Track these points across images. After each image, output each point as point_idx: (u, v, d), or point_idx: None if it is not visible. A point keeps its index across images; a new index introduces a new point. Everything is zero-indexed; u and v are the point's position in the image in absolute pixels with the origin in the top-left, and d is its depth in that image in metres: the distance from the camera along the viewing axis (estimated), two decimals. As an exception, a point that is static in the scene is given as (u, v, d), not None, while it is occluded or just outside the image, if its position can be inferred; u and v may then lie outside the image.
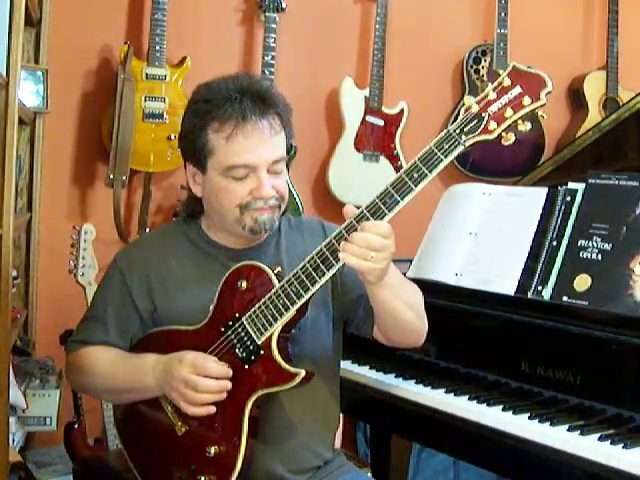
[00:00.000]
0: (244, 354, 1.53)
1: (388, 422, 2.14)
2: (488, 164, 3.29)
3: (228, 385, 1.52)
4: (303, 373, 1.49)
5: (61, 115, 2.83)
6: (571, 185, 1.98)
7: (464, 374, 1.98)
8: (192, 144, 1.61)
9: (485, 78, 3.31)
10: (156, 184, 2.96)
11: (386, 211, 1.43)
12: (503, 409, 1.78)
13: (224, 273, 1.59)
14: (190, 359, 1.52)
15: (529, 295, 1.92)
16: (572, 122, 3.55)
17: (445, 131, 1.43)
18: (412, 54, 3.32)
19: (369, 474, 2.38)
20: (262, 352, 1.52)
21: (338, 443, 1.93)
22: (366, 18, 3.26)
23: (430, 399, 1.89)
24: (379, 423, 2.33)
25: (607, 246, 1.83)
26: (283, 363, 1.50)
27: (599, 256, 1.84)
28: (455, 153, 1.42)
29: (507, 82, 1.42)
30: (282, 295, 1.50)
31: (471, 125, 1.42)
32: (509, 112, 1.41)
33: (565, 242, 1.91)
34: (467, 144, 1.42)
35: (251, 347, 1.53)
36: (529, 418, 1.72)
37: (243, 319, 1.54)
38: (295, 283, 1.49)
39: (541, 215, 1.98)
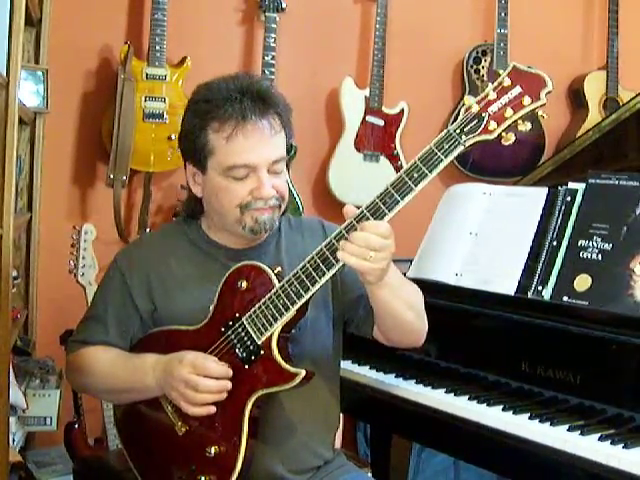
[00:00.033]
0: (244, 354, 1.53)
1: (388, 422, 2.14)
2: (488, 164, 3.29)
3: (228, 385, 1.52)
4: (303, 373, 1.49)
5: (61, 115, 2.83)
6: (571, 185, 1.98)
7: (464, 374, 1.98)
8: (192, 144, 1.61)
9: (485, 78, 3.31)
10: (156, 184, 2.96)
11: (386, 211, 1.43)
12: (503, 409, 1.78)
13: (224, 273, 1.59)
14: (190, 359, 1.52)
15: (529, 295, 1.91)
16: (572, 122, 3.55)
17: (445, 131, 1.43)
18: (412, 54, 3.32)
19: (369, 474, 2.38)
20: (262, 352, 1.52)
21: (338, 443, 1.93)
22: (366, 18, 3.26)
23: (430, 399, 1.88)
24: (379, 423, 2.33)
25: (607, 246, 1.83)
26: (283, 363, 1.50)
27: (599, 256, 1.83)
28: (455, 153, 1.42)
29: (507, 82, 1.42)
30: (282, 295, 1.50)
31: (471, 125, 1.42)
32: (509, 112, 1.41)
33: (565, 242, 1.91)
34: (467, 144, 1.42)
35: (251, 347, 1.53)
36: (529, 418, 1.72)
37: (243, 319, 1.54)
38: (295, 283, 1.49)
39: (541, 215, 1.98)
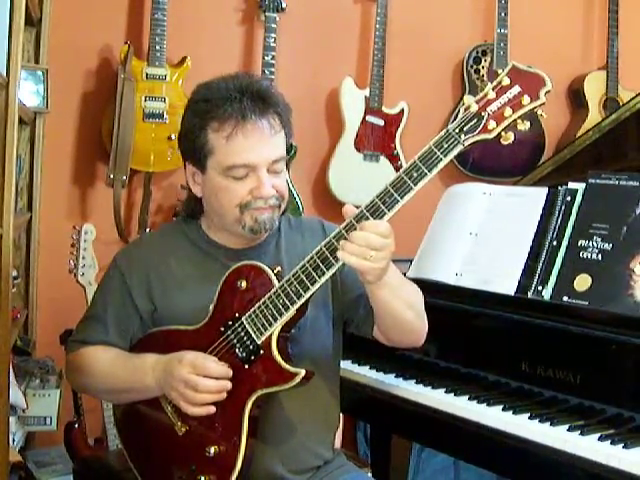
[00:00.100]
0: (244, 354, 1.53)
1: (388, 422, 2.14)
2: (488, 164, 3.29)
3: (228, 385, 1.52)
4: (303, 373, 1.49)
5: (61, 115, 2.83)
6: (571, 185, 1.98)
7: (464, 374, 1.97)
8: (192, 144, 1.61)
9: (485, 78, 3.31)
10: (156, 184, 2.96)
11: (386, 210, 1.43)
12: (503, 409, 1.78)
13: (224, 273, 1.58)
14: (190, 359, 1.52)
15: (529, 295, 1.91)
16: (572, 122, 3.55)
17: (444, 130, 1.43)
18: (412, 54, 3.32)
19: (369, 474, 2.38)
20: (262, 352, 1.52)
21: (338, 443, 1.93)
22: (366, 18, 3.26)
23: (430, 399, 1.88)
24: (379, 423, 2.32)
25: (607, 246, 1.83)
26: (283, 363, 1.50)
27: (599, 256, 1.83)
28: (454, 152, 1.42)
29: (506, 81, 1.42)
30: (282, 295, 1.50)
31: (470, 124, 1.42)
32: (508, 111, 1.41)
33: (565, 242, 1.91)
34: (466, 143, 1.42)
35: (251, 347, 1.53)
36: (529, 418, 1.72)
37: (243, 319, 1.54)
38: (295, 283, 1.49)
39: (541, 215, 1.98)
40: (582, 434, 1.62)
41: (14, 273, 2.38)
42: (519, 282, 1.94)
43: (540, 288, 1.90)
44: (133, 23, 2.93)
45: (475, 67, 3.33)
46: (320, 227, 1.76)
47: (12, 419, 2.17)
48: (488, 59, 3.32)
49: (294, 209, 2.97)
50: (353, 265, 1.43)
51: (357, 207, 1.46)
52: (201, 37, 3.02)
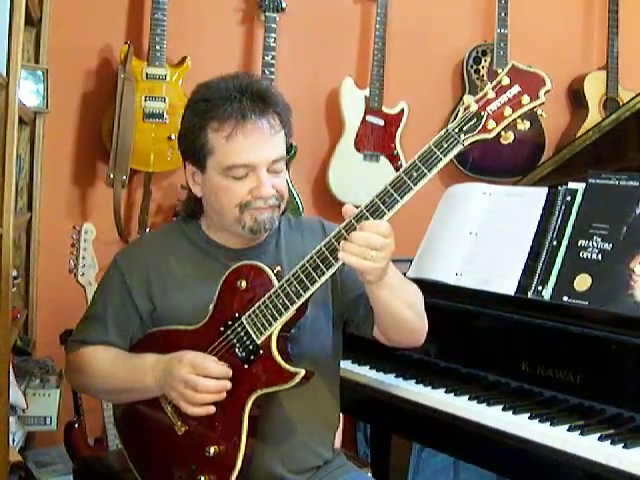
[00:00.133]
0: (244, 354, 1.53)
1: (388, 422, 2.14)
2: (488, 164, 3.29)
3: (228, 385, 1.52)
4: (303, 373, 1.49)
5: (61, 115, 2.83)
6: (571, 185, 1.98)
7: (464, 374, 1.97)
8: (192, 143, 1.61)
9: (485, 78, 3.31)
10: (156, 184, 2.96)
11: (385, 210, 1.43)
12: (503, 409, 1.77)
13: (224, 273, 1.58)
14: (189, 359, 1.52)
15: (529, 295, 1.91)
16: (572, 122, 3.55)
17: (444, 130, 1.43)
18: (412, 54, 3.32)
19: (369, 474, 2.37)
20: (262, 352, 1.52)
21: (338, 443, 1.93)
22: (366, 18, 3.26)
23: (430, 399, 1.88)
24: (379, 423, 2.32)
25: (607, 246, 1.83)
26: (283, 363, 1.50)
27: (599, 256, 1.83)
28: (454, 152, 1.42)
29: (506, 81, 1.42)
30: (281, 295, 1.50)
31: (470, 124, 1.42)
32: (508, 111, 1.41)
33: (565, 242, 1.91)
34: (466, 143, 1.42)
35: (250, 347, 1.53)
36: (529, 418, 1.72)
37: (243, 319, 1.54)
38: (294, 283, 1.49)
39: (541, 215, 1.98)
40: (582, 434, 1.62)
41: (14, 273, 2.38)
42: (519, 282, 1.94)
43: (540, 288, 1.90)
44: (133, 23, 2.93)
45: (475, 67, 3.33)
46: (320, 227, 1.76)
47: (12, 419, 2.17)
48: (488, 59, 3.32)
49: (294, 209, 2.97)
50: (353, 265, 1.43)
51: (357, 207, 1.46)
52: (201, 37, 3.02)
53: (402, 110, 3.20)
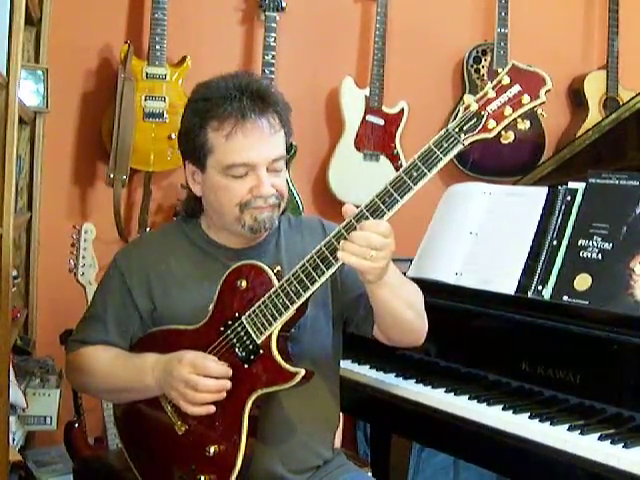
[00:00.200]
0: (244, 353, 1.53)
1: (388, 421, 2.14)
2: (488, 163, 3.29)
3: (228, 384, 1.52)
4: (303, 372, 1.49)
5: (61, 114, 2.83)
6: (571, 185, 1.98)
7: (464, 374, 1.97)
8: (192, 143, 1.61)
9: (485, 77, 3.31)
10: (156, 183, 2.96)
11: (385, 210, 1.43)
12: (503, 409, 1.77)
13: (224, 272, 1.58)
14: (190, 359, 1.52)
15: (529, 295, 1.91)
16: (572, 122, 3.55)
17: (444, 130, 1.43)
18: (412, 53, 3.32)
19: (369, 474, 2.37)
20: (262, 351, 1.52)
21: (338, 442, 1.93)
22: (366, 17, 3.26)
23: (430, 399, 1.88)
24: (379, 422, 2.32)
25: (607, 245, 1.83)
26: (283, 362, 1.50)
27: (599, 255, 1.83)
28: (454, 152, 1.42)
29: (506, 80, 1.42)
30: (281, 294, 1.50)
31: (470, 124, 1.42)
32: (508, 110, 1.41)
33: (565, 242, 1.91)
34: (466, 143, 1.42)
35: (250, 346, 1.53)
36: (529, 418, 1.72)
37: (243, 318, 1.54)
38: (294, 282, 1.49)
39: (541, 215, 1.98)
40: (582, 434, 1.62)
41: (14, 273, 2.38)
42: (519, 282, 1.94)
43: (540, 288, 1.90)
44: (133, 23, 2.93)
45: (475, 66, 3.33)
46: (320, 226, 1.76)
47: (12, 418, 2.17)
48: (488, 58, 3.32)
49: (294, 208, 2.97)
50: (353, 265, 1.43)
51: (357, 207, 1.46)
52: (201, 36, 3.02)
53: (402, 110, 3.20)
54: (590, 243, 1.86)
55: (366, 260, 1.42)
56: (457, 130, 1.42)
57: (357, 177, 3.14)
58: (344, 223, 1.46)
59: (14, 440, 2.27)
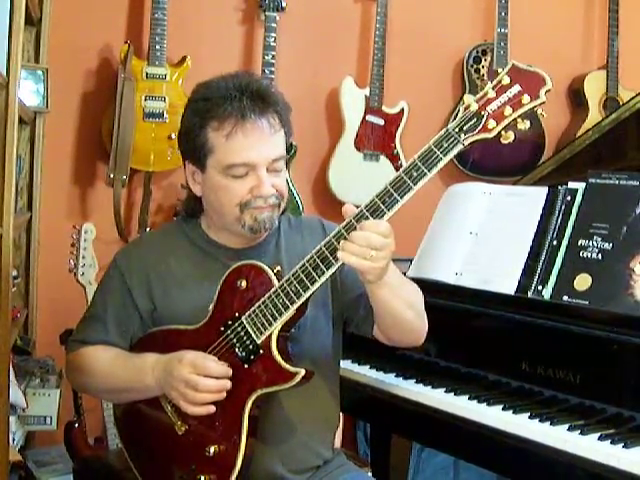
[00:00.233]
0: (244, 353, 1.53)
1: (388, 422, 2.14)
2: (488, 163, 3.29)
3: (228, 384, 1.52)
4: (303, 372, 1.49)
5: (61, 114, 2.83)
6: (571, 185, 1.98)
7: (464, 374, 1.97)
8: (192, 143, 1.61)
9: (485, 77, 3.31)
10: (156, 183, 2.96)
11: (385, 210, 1.43)
12: (503, 409, 1.77)
13: (224, 272, 1.58)
14: (190, 358, 1.52)
15: (529, 295, 1.91)
16: (572, 122, 3.55)
17: (444, 130, 1.43)
18: (412, 53, 3.32)
19: (369, 474, 2.37)
20: (262, 351, 1.52)
21: (338, 442, 1.93)
22: (366, 17, 3.26)
23: (430, 399, 1.88)
24: (379, 423, 2.32)
25: (607, 245, 1.83)
26: (283, 362, 1.50)
27: (599, 255, 1.83)
28: (454, 152, 1.42)
29: (506, 80, 1.42)
30: (282, 294, 1.50)
31: (470, 124, 1.42)
32: (508, 110, 1.41)
33: (565, 242, 1.91)
34: (466, 143, 1.42)
35: (251, 346, 1.53)
36: (529, 418, 1.72)
37: (243, 318, 1.54)
38: (294, 282, 1.49)
39: (541, 215, 1.98)
40: (582, 434, 1.62)
41: (14, 273, 2.38)
42: (519, 282, 1.94)
43: (540, 288, 1.90)
44: (133, 23, 2.93)
45: (475, 66, 3.33)
46: (320, 226, 1.76)
47: (12, 418, 2.17)
48: (488, 58, 3.32)
49: (294, 208, 2.97)
50: (353, 265, 1.43)
51: (357, 207, 1.46)
52: (201, 36, 3.02)
53: (402, 110, 3.20)
54: (590, 243, 1.86)
55: (366, 260, 1.42)
56: (457, 130, 1.42)
57: (357, 177, 3.14)
58: (344, 223, 1.46)
59: (14, 440, 2.27)
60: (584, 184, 1.94)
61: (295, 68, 3.13)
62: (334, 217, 1.74)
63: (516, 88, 1.42)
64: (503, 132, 1.43)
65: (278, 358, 1.50)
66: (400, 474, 2.53)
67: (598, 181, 1.92)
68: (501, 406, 1.78)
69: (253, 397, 1.52)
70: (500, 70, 1.46)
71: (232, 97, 1.56)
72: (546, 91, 1.42)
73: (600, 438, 1.59)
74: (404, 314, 1.59)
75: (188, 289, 1.65)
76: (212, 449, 1.53)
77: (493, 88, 1.43)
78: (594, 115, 3.42)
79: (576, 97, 3.54)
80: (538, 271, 1.92)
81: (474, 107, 1.42)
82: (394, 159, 3.18)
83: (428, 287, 1.74)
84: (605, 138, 2.52)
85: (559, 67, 3.40)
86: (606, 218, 1.86)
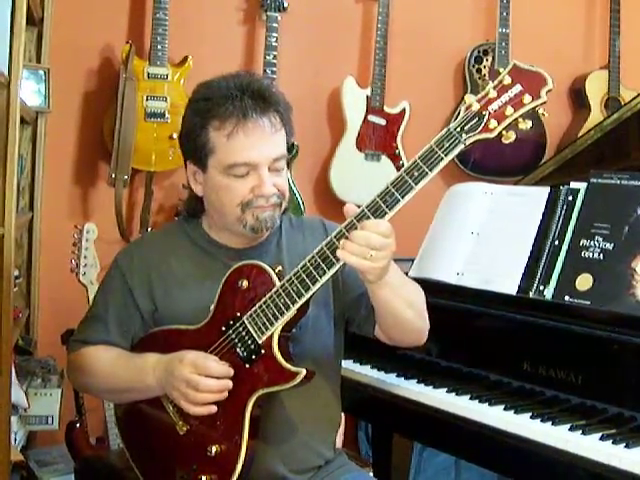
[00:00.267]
0: (245, 353, 1.53)
1: (390, 421, 2.14)
2: (490, 163, 3.28)
3: (229, 384, 1.52)
4: (304, 372, 1.49)
5: (63, 114, 2.83)
6: (573, 185, 1.98)
7: (466, 374, 1.97)
8: (193, 143, 1.61)
9: (487, 77, 3.31)
10: (158, 183, 2.96)
11: (386, 210, 1.43)
12: (505, 409, 1.77)
13: (225, 272, 1.58)
14: (191, 358, 1.52)
15: (531, 295, 1.91)
16: (574, 122, 3.55)
17: (446, 129, 1.43)
18: (414, 53, 3.32)
19: (371, 474, 2.38)
20: (263, 351, 1.52)
21: (339, 442, 1.93)
22: (368, 17, 3.26)
23: (432, 399, 1.88)
24: (381, 422, 2.32)
25: (609, 245, 1.83)
26: (284, 362, 1.50)
27: (601, 255, 1.83)
28: (455, 152, 1.42)
29: (507, 80, 1.42)
30: (283, 294, 1.50)
31: (472, 123, 1.42)
32: (509, 110, 1.41)
33: (567, 242, 1.91)
34: (467, 142, 1.42)
35: (252, 346, 1.53)
36: (531, 418, 1.72)
37: (244, 318, 1.54)
38: (296, 282, 1.49)
39: (543, 215, 1.98)
40: (584, 434, 1.62)
41: (16, 273, 2.38)
42: (520, 282, 1.94)
43: (542, 288, 1.90)
44: (135, 23, 2.93)
45: (477, 66, 3.33)
46: (321, 226, 1.76)
47: (14, 418, 2.17)
48: (490, 58, 3.32)
49: (295, 208, 2.97)
50: (353, 264, 1.43)
51: (358, 206, 1.46)
52: (203, 36, 3.02)
53: (404, 109, 3.20)
54: (592, 243, 1.86)
55: (366, 260, 1.42)
56: (458, 130, 1.42)
57: (358, 177, 3.14)
58: (345, 223, 1.46)
59: (16, 440, 2.28)
60: (586, 184, 1.94)
61: (297, 68, 3.13)
62: (335, 217, 1.74)
63: (517, 88, 1.41)
64: (504, 132, 1.43)
65: (279, 358, 1.50)
66: (402, 474, 2.53)
67: (600, 181, 1.92)
68: (502, 406, 1.78)
69: (254, 397, 1.52)
70: (501, 70, 1.46)
71: (233, 97, 1.56)
72: (547, 91, 1.41)
73: (602, 438, 1.59)
74: (405, 314, 1.59)
75: (189, 289, 1.65)
76: (213, 449, 1.53)
77: (494, 88, 1.42)
78: (596, 115, 3.41)
79: (578, 97, 3.54)
80: (539, 271, 1.92)
81: (475, 107, 1.42)
82: (395, 159, 3.18)
83: (429, 287, 1.74)
84: (607, 138, 2.52)
85: (560, 67, 3.39)
86: (608, 218, 1.86)
